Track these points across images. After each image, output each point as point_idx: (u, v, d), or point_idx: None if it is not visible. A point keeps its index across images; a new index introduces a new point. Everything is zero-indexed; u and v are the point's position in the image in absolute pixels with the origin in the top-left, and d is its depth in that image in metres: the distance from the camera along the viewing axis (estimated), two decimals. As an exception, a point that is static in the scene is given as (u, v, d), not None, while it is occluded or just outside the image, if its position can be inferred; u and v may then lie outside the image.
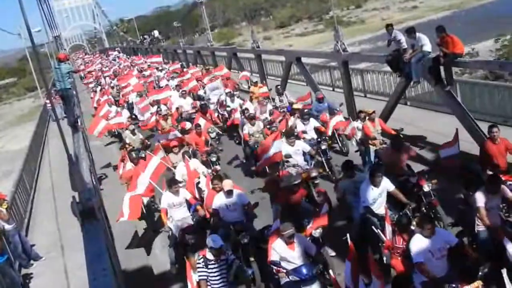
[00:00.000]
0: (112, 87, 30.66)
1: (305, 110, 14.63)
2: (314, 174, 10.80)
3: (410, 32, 12.62)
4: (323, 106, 15.51)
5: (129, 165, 13.37)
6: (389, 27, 13.73)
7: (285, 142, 11.90)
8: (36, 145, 24.73)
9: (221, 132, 17.10)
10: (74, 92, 18.17)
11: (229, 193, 9.49)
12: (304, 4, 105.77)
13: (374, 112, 12.45)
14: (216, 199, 9.62)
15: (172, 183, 10.29)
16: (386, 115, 14.65)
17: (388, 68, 15.53)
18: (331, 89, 21.87)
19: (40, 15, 12.69)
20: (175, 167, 12.80)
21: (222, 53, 32.87)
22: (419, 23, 65.65)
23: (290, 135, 12.07)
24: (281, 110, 16.90)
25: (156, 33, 52.84)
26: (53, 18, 16.32)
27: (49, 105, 31.97)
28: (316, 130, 13.94)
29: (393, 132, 11.95)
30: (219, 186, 9.81)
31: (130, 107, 24.17)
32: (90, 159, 15.40)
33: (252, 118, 15.03)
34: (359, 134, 12.77)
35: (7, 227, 11.55)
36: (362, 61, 21.33)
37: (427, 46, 12.42)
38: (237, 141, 17.06)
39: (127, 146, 16.36)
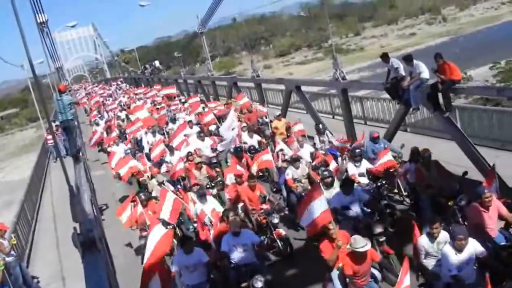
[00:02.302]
0: (123, 120, 28.35)
1: (357, 150, 12.34)
2: (378, 230, 8.77)
3: (407, 59, 12.72)
4: (379, 147, 13.20)
5: (140, 208, 12.09)
6: (383, 56, 13.67)
7: (339, 192, 10.04)
8: (37, 175, 24.80)
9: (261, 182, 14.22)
10: (76, 123, 18.17)
11: (236, 233, 8.87)
12: (303, 33, 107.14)
13: (429, 153, 10.72)
14: (224, 240, 8.95)
15: (185, 241, 9.06)
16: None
17: (387, 95, 15.58)
18: (331, 116, 21.99)
19: (42, 47, 12.81)
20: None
21: (222, 83, 33.10)
22: (417, 50, 66.38)
23: (349, 182, 10.19)
24: (323, 153, 14.48)
25: (157, 63, 53.08)
26: (55, 50, 16.52)
27: (50, 141, 29.77)
28: (369, 172, 11.98)
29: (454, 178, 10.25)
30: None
31: (139, 144, 21.70)
32: (92, 189, 15.39)
33: (295, 160, 12.67)
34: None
35: (8, 259, 11.52)
36: (361, 89, 21.49)
37: (425, 73, 12.49)
38: (274, 189, 14.56)
39: (154, 200, 13.20)
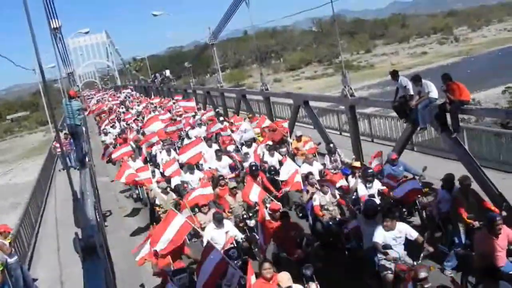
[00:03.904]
0: (143, 134, 24.61)
1: (370, 171, 11.62)
2: (423, 274, 7.42)
3: (416, 80, 12.68)
4: (397, 170, 12.16)
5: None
6: (393, 74, 13.63)
7: (380, 226, 8.57)
8: (44, 179, 24.85)
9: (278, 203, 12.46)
10: (84, 129, 18.20)
11: None
12: (314, 48, 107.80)
13: (469, 181, 9.79)
14: None
15: None
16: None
17: (395, 114, 15.52)
18: (338, 133, 21.98)
19: (54, 53, 12.94)
20: (203, 229, 10.85)
21: (231, 95, 33.17)
22: (429, 69, 66.51)
23: (391, 214, 8.78)
24: (334, 172, 13.72)
25: (167, 72, 53.33)
26: (67, 55, 16.66)
27: (58, 149, 26.72)
28: (381, 194, 11.21)
29: (494, 209, 9.44)
30: (270, 272, 7.68)
31: (154, 160, 19.67)
32: (96, 195, 15.42)
33: (323, 185, 11.57)
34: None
35: (10, 260, 11.56)
36: (369, 106, 21.50)
37: (434, 93, 12.45)
38: (300, 214, 13.31)
39: (157, 208, 13.20)
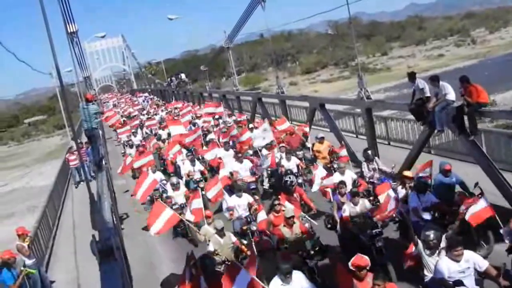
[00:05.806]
0: (163, 141, 23.67)
1: (422, 180, 10.90)
2: None
3: (433, 80, 12.59)
4: (450, 181, 11.07)
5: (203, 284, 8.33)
6: (410, 76, 13.55)
7: (447, 259, 7.18)
8: (61, 182, 25.04)
9: (315, 223, 11.80)
10: (101, 132, 18.31)
11: None
12: (330, 51, 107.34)
13: None
14: None
15: None
16: (409, 164, 14.53)
17: (412, 116, 15.40)
18: (354, 136, 21.87)
19: (71, 57, 13.08)
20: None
21: (247, 98, 33.24)
22: (445, 71, 65.90)
23: (457, 243, 7.17)
24: (371, 181, 13.20)
25: (183, 75, 53.52)
26: (84, 60, 16.79)
27: (73, 162, 24.81)
28: (435, 208, 10.27)
29: None
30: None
31: (178, 171, 18.41)
32: (113, 198, 15.50)
33: (354, 195, 10.79)
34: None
35: (28, 262, 11.70)
36: (385, 109, 21.36)
37: (451, 95, 12.34)
38: (329, 225, 12.26)
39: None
